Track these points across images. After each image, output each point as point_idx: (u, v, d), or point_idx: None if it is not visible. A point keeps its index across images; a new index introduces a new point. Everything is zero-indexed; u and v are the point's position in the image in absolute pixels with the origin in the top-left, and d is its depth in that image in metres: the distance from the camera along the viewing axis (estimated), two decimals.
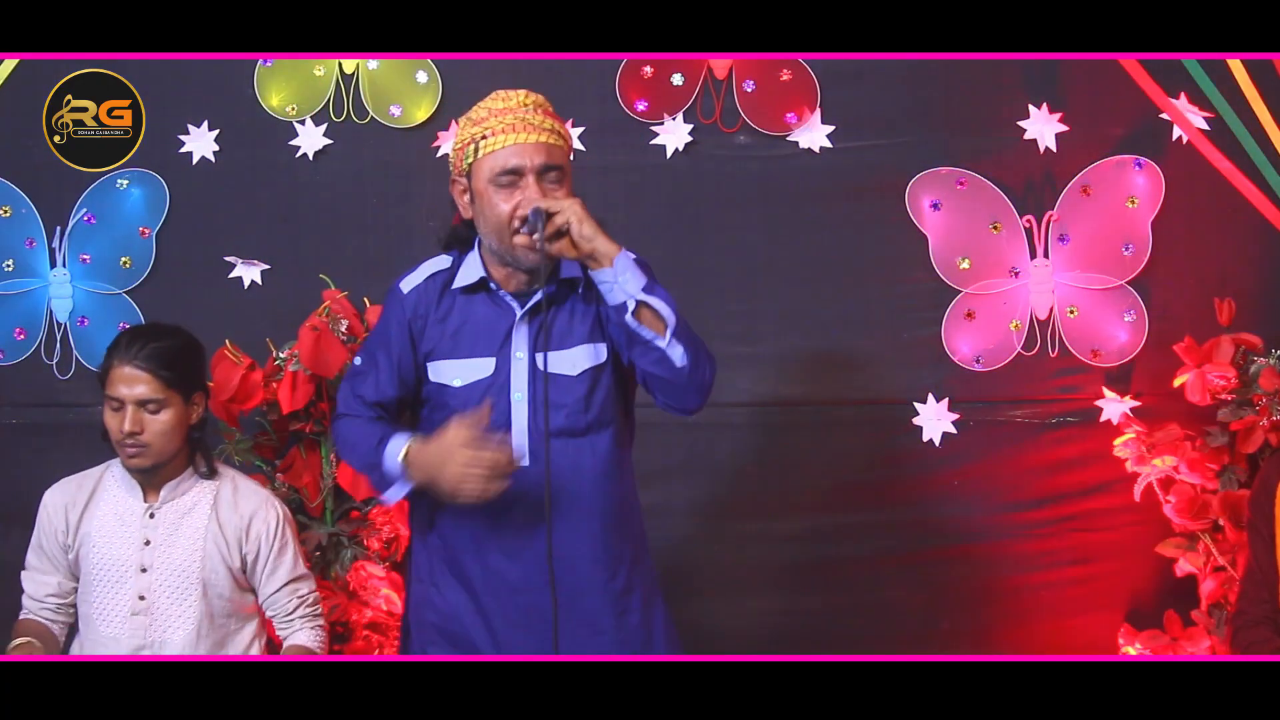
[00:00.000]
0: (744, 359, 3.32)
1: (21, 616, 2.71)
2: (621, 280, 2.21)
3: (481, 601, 2.36)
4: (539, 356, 2.31)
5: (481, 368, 2.34)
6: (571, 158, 2.39)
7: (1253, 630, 2.46)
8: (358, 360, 2.48)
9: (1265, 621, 2.45)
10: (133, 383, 2.59)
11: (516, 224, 2.26)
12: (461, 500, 2.22)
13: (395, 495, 2.35)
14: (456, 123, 3.25)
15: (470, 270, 2.38)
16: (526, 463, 2.28)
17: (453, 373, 2.35)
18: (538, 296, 2.32)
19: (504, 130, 2.29)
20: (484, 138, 2.30)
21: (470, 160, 2.31)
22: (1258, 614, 2.46)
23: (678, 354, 2.22)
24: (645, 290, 2.21)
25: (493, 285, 2.36)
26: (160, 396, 2.60)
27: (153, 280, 3.36)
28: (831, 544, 3.34)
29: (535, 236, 2.22)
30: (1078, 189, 3.32)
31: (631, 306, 2.21)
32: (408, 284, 2.43)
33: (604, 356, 2.36)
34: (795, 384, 3.36)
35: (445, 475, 2.21)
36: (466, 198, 2.35)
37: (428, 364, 2.39)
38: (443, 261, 2.43)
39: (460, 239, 2.42)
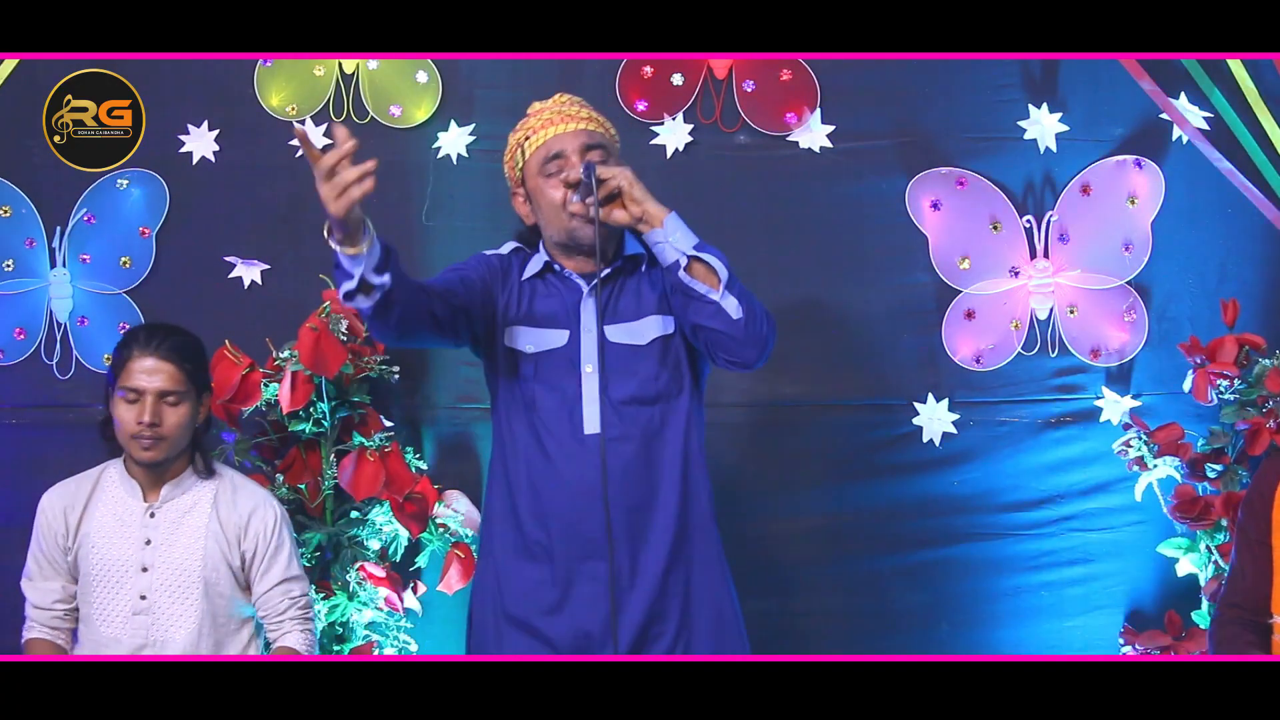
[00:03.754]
0: None
1: (29, 636, 2.70)
2: (673, 239, 2.29)
3: (553, 571, 2.38)
4: (607, 329, 2.40)
5: (555, 338, 2.41)
6: (616, 150, 2.47)
7: (1227, 629, 2.51)
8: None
9: (1236, 623, 2.49)
10: (154, 374, 2.60)
11: (568, 192, 2.33)
12: (333, 206, 2.09)
13: (347, 264, 2.17)
14: (455, 122, 3.32)
15: (535, 261, 2.46)
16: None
17: (526, 339, 2.41)
18: (606, 271, 2.41)
19: (543, 125, 2.41)
20: (527, 139, 2.42)
21: (520, 165, 2.43)
22: (1231, 615, 2.51)
23: (732, 306, 2.29)
24: (697, 247, 2.29)
25: (557, 267, 2.44)
26: (180, 389, 2.63)
27: (153, 280, 3.36)
28: (831, 544, 3.34)
29: (589, 201, 2.30)
30: (1078, 189, 3.32)
31: (684, 263, 2.28)
32: (491, 251, 2.51)
33: (672, 327, 2.43)
34: (795, 384, 3.36)
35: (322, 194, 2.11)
36: (526, 205, 2.45)
37: (505, 328, 2.43)
38: (521, 245, 2.51)
39: (526, 240, 2.50)
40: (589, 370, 2.39)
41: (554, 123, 2.40)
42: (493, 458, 2.52)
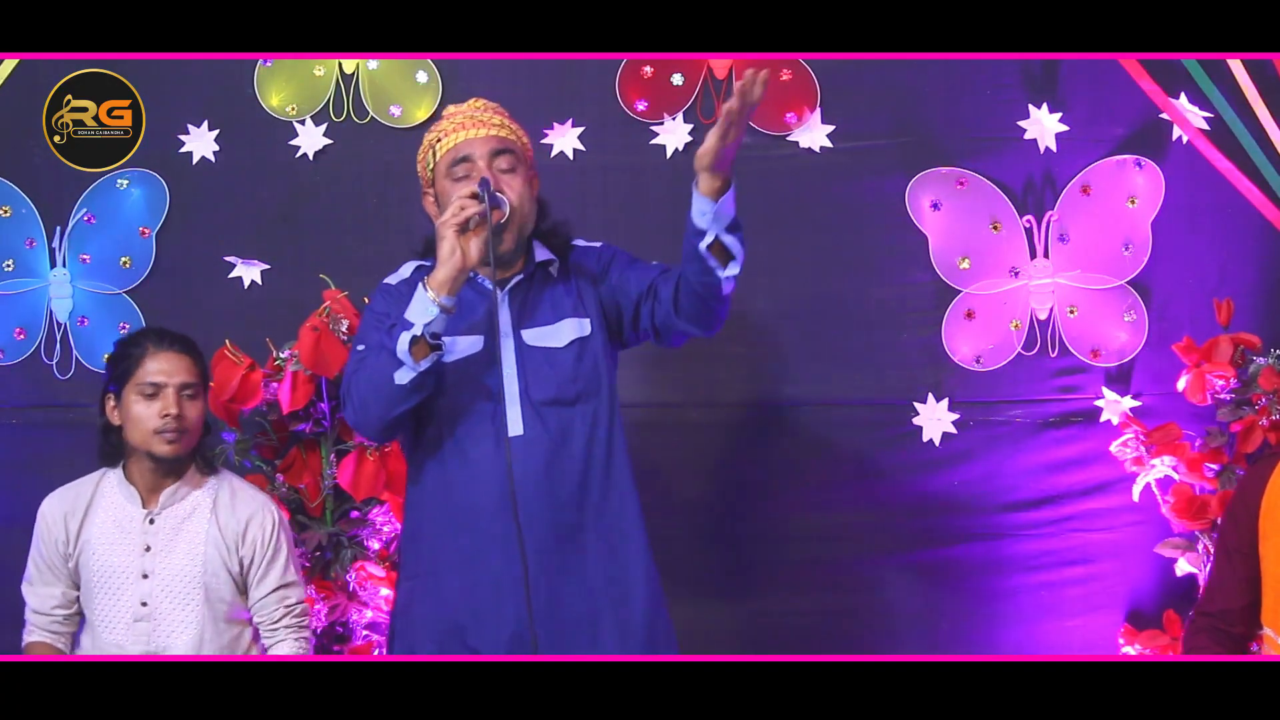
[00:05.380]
0: (744, 359, 3.32)
1: (29, 640, 2.70)
2: (721, 215, 2.27)
3: (475, 580, 2.38)
4: (524, 333, 2.43)
5: (471, 344, 2.42)
6: (529, 155, 2.52)
7: (1195, 638, 2.55)
8: (360, 347, 2.47)
9: (1207, 631, 2.51)
10: (174, 367, 2.64)
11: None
12: (453, 234, 2.32)
13: (429, 324, 2.31)
14: None
15: None
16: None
17: (447, 348, 2.40)
18: (519, 277, 2.46)
19: (455, 129, 2.47)
20: (439, 140, 2.48)
21: (431, 166, 2.49)
22: (1203, 624, 2.53)
23: (728, 285, 2.34)
24: (729, 227, 2.28)
25: (471, 273, 2.43)
26: (197, 383, 2.67)
27: (153, 280, 3.36)
28: (831, 544, 3.34)
29: (481, 208, 2.32)
30: (1078, 189, 3.32)
31: (710, 240, 2.28)
32: (394, 279, 2.54)
33: (588, 330, 2.47)
34: (795, 384, 3.36)
35: (441, 244, 2.32)
36: (435, 206, 2.50)
37: None
38: (424, 261, 2.52)
39: (432, 248, 2.47)
40: (509, 373, 2.40)
41: (465, 127, 2.45)
42: (411, 476, 2.52)
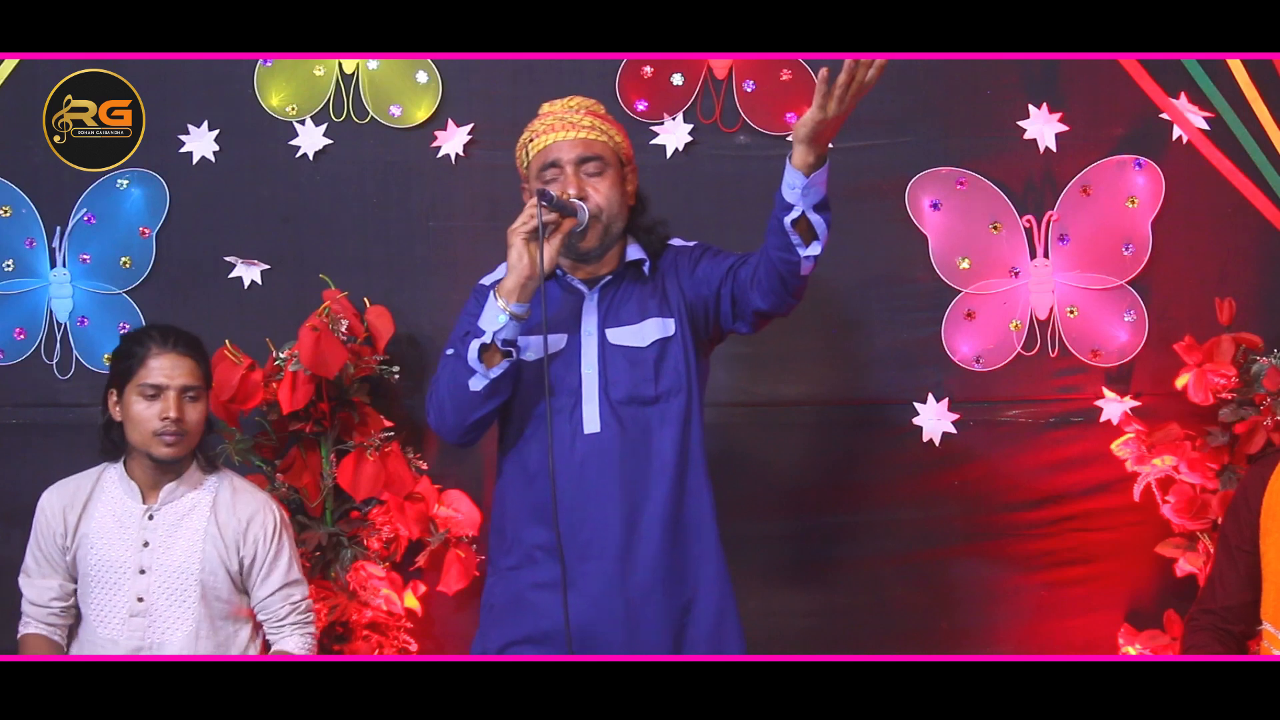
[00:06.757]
0: (744, 359, 3.32)
1: (25, 631, 2.70)
2: (810, 192, 2.24)
3: (549, 577, 2.40)
4: (608, 332, 2.45)
5: (554, 342, 2.44)
6: (625, 153, 2.53)
7: (1196, 635, 2.55)
8: (449, 351, 2.50)
9: (1207, 630, 2.51)
10: (176, 369, 2.64)
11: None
12: (521, 241, 2.33)
13: (498, 332, 2.36)
14: (455, 122, 3.32)
15: None
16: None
17: (527, 346, 2.44)
18: (608, 277, 2.48)
19: (545, 130, 2.47)
20: (531, 140, 2.49)
21: (526, 164, 2.51)
22: (1204, 621, 2.53)
23: (809, 266, 2.32)
24: (816, 206, 2.26)
25: (560, 272, 2.49)
26: (199, 385, 2.68)
27: (153, 280, 3.36)
28: (831, 544, 3.34)
29: (549, 218, 2.33)
30: (1078, 189, 3.32)
31: (795, 216, 2.26)
32: (488, 279, 2.57)
33: (672, 330, 2.48)
34: (795, 384, 3.36)
35: (510, 252, 2.35)
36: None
37: None
38: None
39: None
40: (589, 372, 2.42)
41: (554, 129, 2.46)
42: (497, 470, 2.55)
